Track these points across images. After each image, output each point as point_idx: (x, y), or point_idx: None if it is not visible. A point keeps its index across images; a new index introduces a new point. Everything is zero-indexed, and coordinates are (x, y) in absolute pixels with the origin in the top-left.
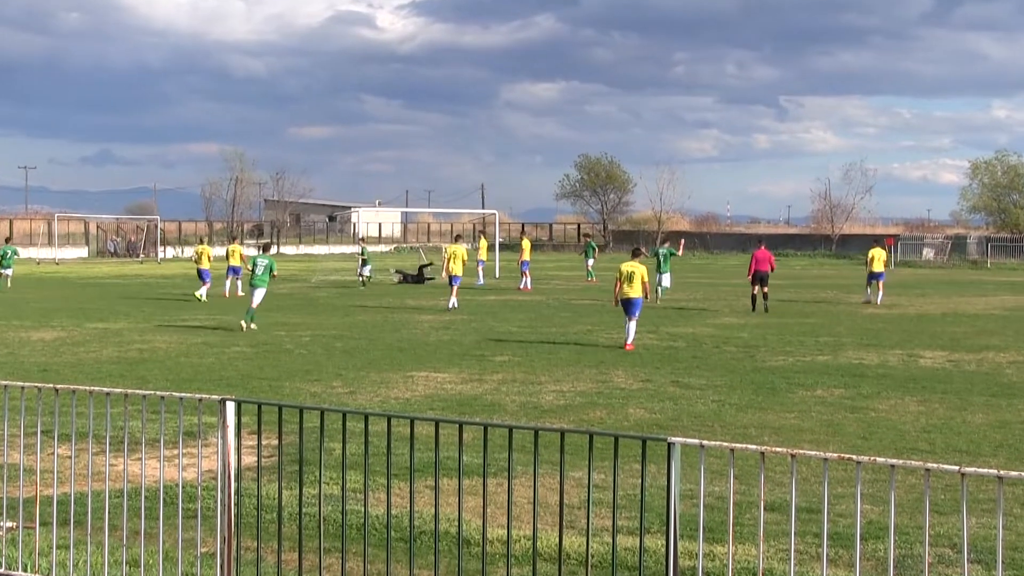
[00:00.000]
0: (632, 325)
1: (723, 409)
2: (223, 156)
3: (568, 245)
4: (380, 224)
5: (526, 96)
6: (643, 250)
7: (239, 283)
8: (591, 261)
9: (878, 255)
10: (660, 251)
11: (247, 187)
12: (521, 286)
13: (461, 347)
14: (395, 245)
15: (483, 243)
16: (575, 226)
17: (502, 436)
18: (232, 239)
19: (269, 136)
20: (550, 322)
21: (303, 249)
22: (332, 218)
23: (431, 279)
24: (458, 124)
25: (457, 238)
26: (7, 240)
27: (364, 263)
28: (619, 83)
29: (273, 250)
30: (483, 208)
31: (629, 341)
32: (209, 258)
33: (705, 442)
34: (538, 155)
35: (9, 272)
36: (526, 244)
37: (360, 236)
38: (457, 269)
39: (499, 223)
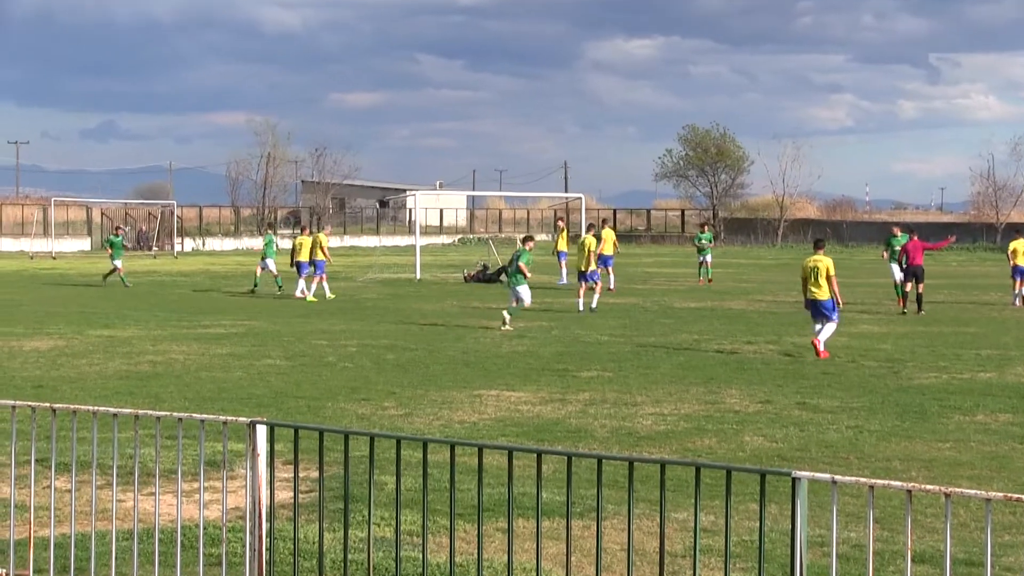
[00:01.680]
0: (828, 327)
1: (860, 437)
2: (251, 128)
3: (670, 236)
4: (441, 210)
5: (616, 55)
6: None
7: (325, 283)
8: (707, 257)
9: (1021, 248)
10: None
11: (281, 166)
12: (610, 286)
13: (539, 360)
14: (459, 236)
15: (563, 233)
16: (677, 213)
17: (590, 468)
18: (302, 229)
19: (306, 104)
20: (648, 330)
21: (348, 240)
22: (384, 203)
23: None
24: (534, 89)
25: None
26: None
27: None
28: (730, 38)
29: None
30: (566, 192)
31: (821, 348)
32: (323, 248)
33: (838, 477)
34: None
35: None
36: (607, 234)
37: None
38: (589, 264)
39: (585, 209)
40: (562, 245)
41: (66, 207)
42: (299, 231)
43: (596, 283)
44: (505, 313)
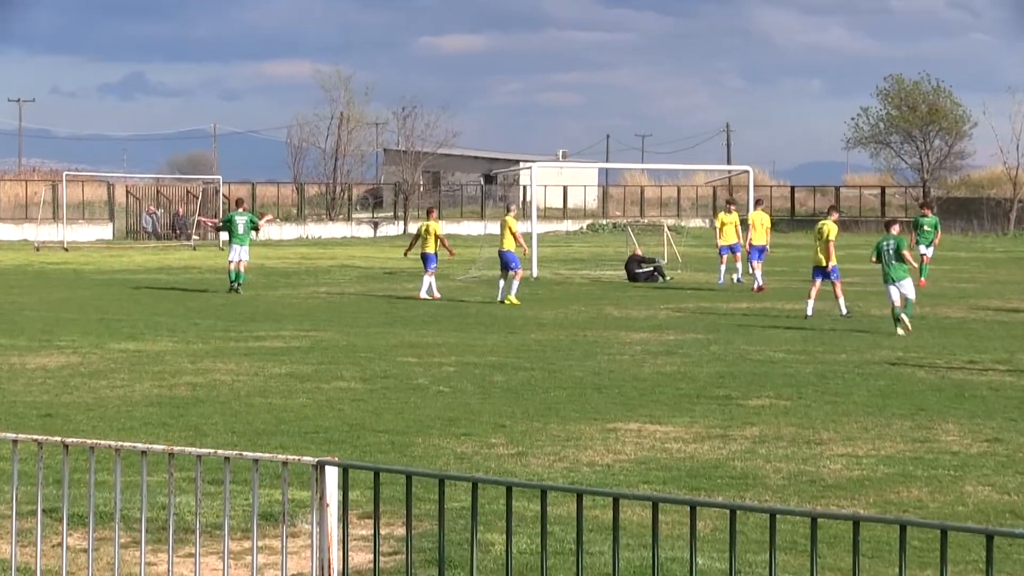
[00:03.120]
0: None
1: None
2: (318, 82)
3: (865, 221)
4: (565, 188)
5: None
6: None
7: (433, 282)
8: (928, 250)
9: None
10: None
11: (357, 130)
12: (754, 286)
13: (693, 383)
14: (588, 222)
15: (732, 215)
16: (875, 191)
17: (759, 526)
18: (428, 212)
19: (389, 51)
20: (836, 344)
21: (445, 227)
22: (490, 178)
23: (667, 278)
24: (686, 29)
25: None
26: None
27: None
28: None
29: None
30: (728, 163)
31: None
32: (439, 238)
33: None
34: (815, 77)
35: None
36: (759, 219)
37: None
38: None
39: (753, 186)
40: (730, 235)
41: (81, 184)
42: (426, 214)
43: (837, 280)
44: (904, 316)
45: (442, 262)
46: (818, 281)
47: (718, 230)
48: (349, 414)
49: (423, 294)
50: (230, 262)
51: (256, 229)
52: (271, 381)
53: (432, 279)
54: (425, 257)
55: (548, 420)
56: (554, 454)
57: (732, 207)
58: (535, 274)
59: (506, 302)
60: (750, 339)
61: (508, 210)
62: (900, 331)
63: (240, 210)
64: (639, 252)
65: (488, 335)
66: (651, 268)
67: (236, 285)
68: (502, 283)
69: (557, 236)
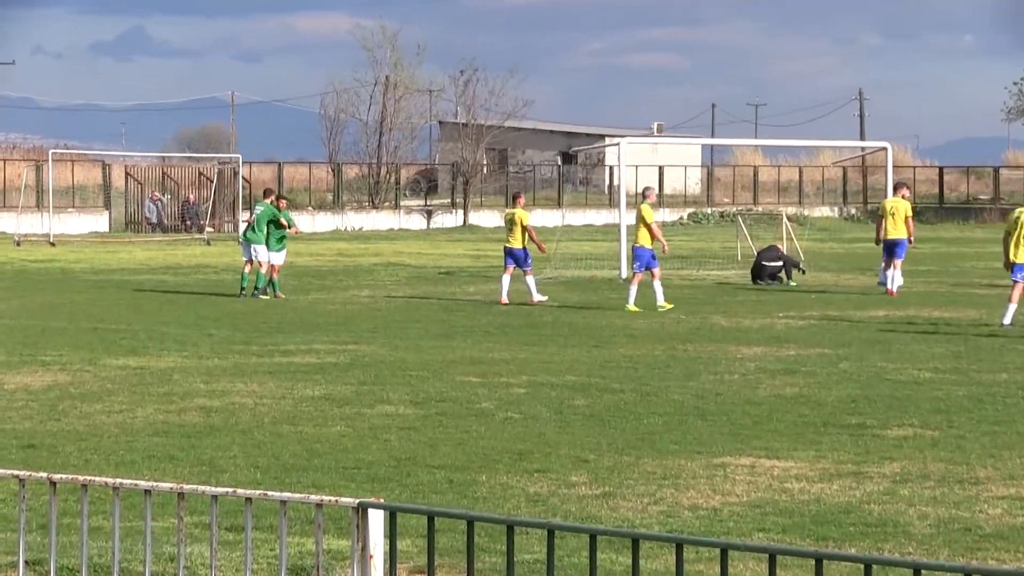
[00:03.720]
0: None
1: None
2: (358, 39)
3: None
4: (661, 169)
5: None
6: None
7: (532, 281)
8: None
9: None
10: None
11: (406, 98)
12: (888, 286)
13: (819, 409)
14: (690, 210)
15: (902, 203)
16: None
17: None
18: (515, 197)
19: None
20: (996, 362)
21: None
22: (569, 157)
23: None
24: None
25: None
26: None
27: None
28: None
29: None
30: (861, 138)
31: None
32: (525, 228)
33: None
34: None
35: None
36: (897, 206)
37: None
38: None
39: (892, 166)
40: (898, 227)
41: (71, 163)
42: (513, 200)
43: (1020, 281)
44: None
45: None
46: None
47: (885, 220)
48: (397, 446)
49: (536, 297)
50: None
51: (277, 224)
52: (302, 405)
53: (533, 279)
54: (510, 253)
55: (641, 453)
56: (648, 495)
57: (904, 190)
58: (624, 273)
59: (664, 306)
60: (889, 355)
61: (644, 196)
62: None
63: (267, 201)
64: (781, 247)
65: (567, 349)
66: (779, 264)
67: (243, 291)
68: (634, 289)
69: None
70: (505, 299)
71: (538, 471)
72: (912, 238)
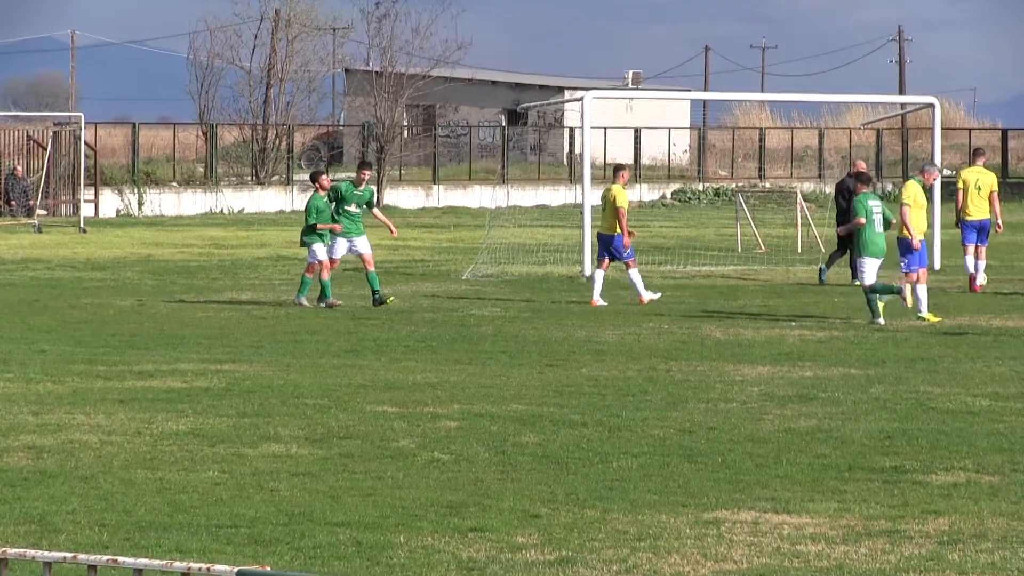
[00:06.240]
0: None
1: None
2: None
3: None
4: (637, 132)
5: None
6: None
7: (636, 276)
8: None
9: None
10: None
11: (302, 39)
12: (976, 279)
13: (844, 448)
14: (676, 186)
15: (988, 174)
16: None
17: None
18: (615, 173)
19: None
20: None
21: (442, 194)
22: (518, 115)
23: None
24: None
25: None
26: None
27: None
28: None
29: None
30: (901, 92)
31: None
32: (616, 209)
33: None
34: None
35: None
36: (983, 177)
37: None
38: None
39: (939, 127)
40: (980, 206)
41: None
42: (612, 173)
43: None
44: None
45: (438, 249)
46: None
47: (968, 196)
48: (288, 497)
49: (645, 296)
50: (320, 262)
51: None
52: (163, 444)
53: (638, 274)
54: (604, 242)
55: (609, 506)
56: (618, 561)
57: (981, 157)
58: (587, 271)
59: (928, 318)
60: (935, 376)
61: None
62: None
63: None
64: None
65: (513, 370)
66: None
67: (327, 301)
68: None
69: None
70: (599, 299)
71: (474, 530)
72: (1000, 221)
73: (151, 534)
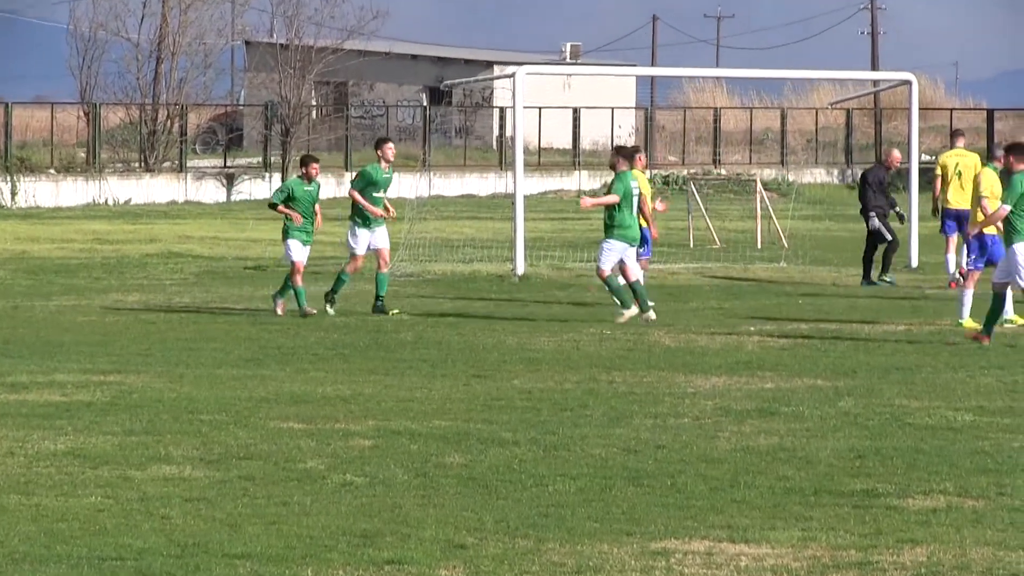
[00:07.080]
0: None
1: None
2: None
3: None
4: (576, 112)
5: None
6: None
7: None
8: None
9: None
10: None
11: (196, 8)
12: (955, 273)
13: (809, 469)
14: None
15: (967, 156)
16: None
17: None
18: (633, 154)
19: None
20: None
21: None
22: (441, 93)
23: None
24: None
25: None
26: None
27: None
28: None
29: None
30: (873, 67)
31: None
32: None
33: None
34: None
35: None
36: (965, 161)
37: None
38: None
39: (917, 107)
40: (966, 192)
41: None
42: (629, 161)
43: None
44: None
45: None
46: None
47: (948, 182)
48: (180, 525)
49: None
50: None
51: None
52: (38, 465)
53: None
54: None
55: (544, 535)
56: None
57: (960, 139)
58: (520, 269)
59: (1015, 321)
60: (912, 388)
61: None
62: None
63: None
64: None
65: (435, 381)
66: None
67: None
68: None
69: (562, 200)
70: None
71: (391, 562)
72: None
73: (25, 567)
